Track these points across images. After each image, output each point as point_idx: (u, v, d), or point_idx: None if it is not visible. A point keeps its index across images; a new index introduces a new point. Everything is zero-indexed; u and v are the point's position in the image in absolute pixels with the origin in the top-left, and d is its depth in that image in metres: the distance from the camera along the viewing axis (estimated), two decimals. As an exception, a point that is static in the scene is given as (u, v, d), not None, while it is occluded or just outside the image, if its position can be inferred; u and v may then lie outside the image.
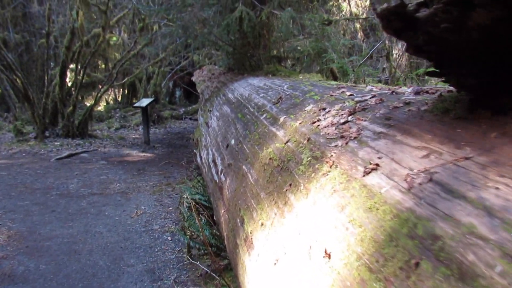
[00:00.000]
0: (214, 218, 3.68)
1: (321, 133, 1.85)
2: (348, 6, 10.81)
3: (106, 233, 4.44)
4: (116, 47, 13.49)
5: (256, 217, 2.00)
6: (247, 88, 4.53)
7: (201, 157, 4.83)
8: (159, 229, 4.50)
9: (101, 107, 17.80)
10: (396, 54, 10.63)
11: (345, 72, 4.61)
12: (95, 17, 14.81)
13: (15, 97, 11.45)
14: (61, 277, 3.48)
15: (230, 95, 4.82)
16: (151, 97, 13.20)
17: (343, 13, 10.66)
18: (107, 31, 9.10)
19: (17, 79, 9.57)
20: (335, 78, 4.35)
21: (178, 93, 18.18)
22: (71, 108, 10.09)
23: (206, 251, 3.42)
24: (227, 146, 3.33)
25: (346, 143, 1.59)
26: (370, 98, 1.97)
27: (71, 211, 5.21)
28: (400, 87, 2.22)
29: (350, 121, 1.78)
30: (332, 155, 1.58)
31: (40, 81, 12.93)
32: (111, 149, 9.66)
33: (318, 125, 1.95)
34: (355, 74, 4.78)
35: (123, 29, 13.61)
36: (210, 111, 5.34)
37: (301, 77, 4.91)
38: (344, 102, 2.06)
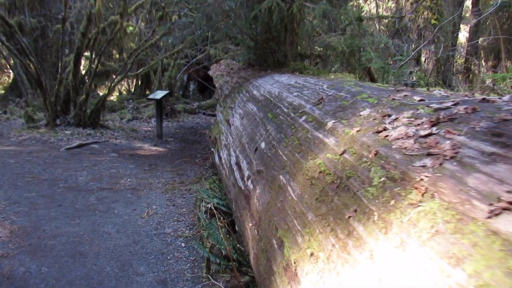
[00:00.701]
0: (236, 227, 3.33)
1: (393, 147, 1.48)
2: (374, 6, 10.38)
3: (114, 234, 4.11)
4: (133, 36, 13.21)
5: (302, 244, 1.63)
6: (274, 85, 4.16)
7: (220, 157, 4.48)
8: (171, 233, 4.16)
9: (113, 97, 17.59)
10: (424, 58, 10.17)
11: (387, 73, 4.21)
12: (111, 6, 14.53)
13: (27, 82, 11.21)
14: (64, 283, 3.16)
15: (255, 92, 4.45)
16: (166, 90, 12.90)
17: (363, 14, 10.23)
18: (125, 18, 8.77)
19: (31, 64, 9.30)
20: (372, 80, 3.96)
21: (192, 86, 17.86)
22: (83, 96, 9.81)
23: (226, 266, 3.06)
24: (256, 149, 2.96)
25: (440, 164, 1.21)
26: (453, 105, 1.58)
27: (78, 206, 4.90)
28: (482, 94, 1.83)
29: (435, 133, 1.40)
30: (422, 179, 1.21)
31: (54, 67, 12.72)
32: (123, 141, 9.36)
33: (387, 136, 1.57)
34: (395, 77, 4.38)
35: (140, 17, 13.30)
36: (232, 108, 4.97)
37: (332, 76, 4.53)
38: (416, 109, 1.68)
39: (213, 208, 3.83)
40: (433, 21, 9.93)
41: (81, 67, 14.57)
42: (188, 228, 4.28)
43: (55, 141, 8.88)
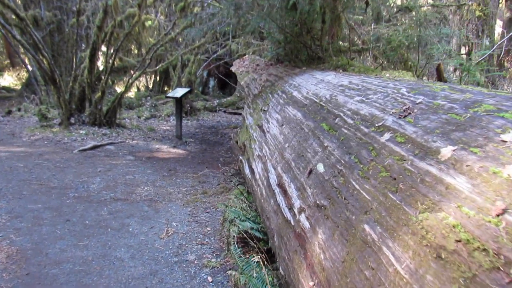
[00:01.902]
0: (279, 269, 2.63)
1: None
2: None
3: (128, 261, 3.47)
4: (151, 30, 12.62)
5: None
6: (320, 85, 3.44)
7: (252, 170, 3.79)
8: (195, 261, 3.49)
9: (132, 93, 17.12)
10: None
11: (467, 71, 3.44)
12: (130, -1, 13.99)
13: (41, 79, 10.73)
14: (64, 334, 2.52)
15: (295, 93, 3.74)
16: (185, 87, 12.29)
17: (391, 5, 9.38)
18: (143, 11, 8.16)
19: (44, 60, 8.78)
20: (440, 79, 3.20)
21: (212, 83, 17.24)
22: (99, 94, 9.26)
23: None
24: (310, 172, 2.25)
25: None
26: None
27: (88, 222, 4.29)
28: None
29: None
30: None
31: (70, 63, 12.24)
32: (140, 142, 8.78)
33: None
34: (470, 75, 3.61)
35: (160, 10, 12.70)
36: (265, 111, 4.28)
37: (387, 75, 3.79)
38: None
39: (245, 235, 3.15)
40: (477, 13, 9.01)
41: (99, 63, 14.12)
42: (214, 254, 3.61)
43: (69, 142, 8.35)
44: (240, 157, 4.69)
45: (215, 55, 13.90)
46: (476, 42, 7.88)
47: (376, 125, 1.95)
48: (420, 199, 1.31)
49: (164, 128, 10.92)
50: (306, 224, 2.03)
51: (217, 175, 6.41)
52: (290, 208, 2.34)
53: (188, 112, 12.33)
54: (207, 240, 3.91)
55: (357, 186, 1.72)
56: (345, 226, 1.65)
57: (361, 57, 7.35)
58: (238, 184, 5.36)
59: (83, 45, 13.05)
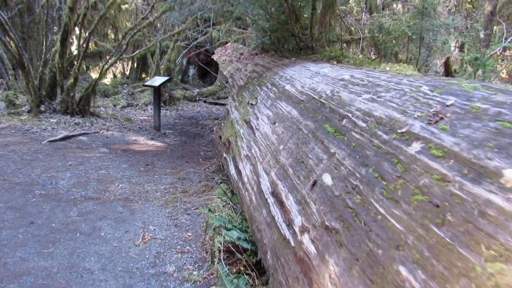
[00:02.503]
0: (270, 285, 2.30)
1: None
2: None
3: (98, 274, 3.07)
4: (128, 14, 11.97)
5: None
6: (316, 79, 3.10)
7: (239, 172, 3.43)
8: (175, 274, 3.12)
9: (108, 79, 16.42)
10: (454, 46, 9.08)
11: (482, 67, 3.14)
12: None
13: (8, 62, 10.01)
14: None
15: (287, 87, 3.38)
16: (164, 75, 11.76)
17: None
18: (119, -8, 7.60)
19: (11, 42, 8.11)
20: (448, 74, 2.91)
21: (191, 71, 16.69)
22: (72, 80, 8.67)
23: None
24: (314, 183, 1.92)
25: None
26: None
27: (55, 225, 3.85)
28: None
29: None
30: None
31: (41, 46, 11.51)
32: (115, 133, 8.27)
33: None
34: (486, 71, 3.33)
35: (137, -7, 12.06)
36: (253, 105, 3.91)
37: (388, 68, 3.48)
38: None
39: (231, 246, 2.81)
40: (467, 5, 8.82)
41: (74, 47, 13.38)
42: (196, 266, 3.24)
43: (38, 131, 7.77)
44: (225, 155, 4.32)
45: (195, 42, 13.37)
46: (469, 34, 7.67)
47: (399, 131, 1.61)
48: (483, 241, 0.99)
49: (141, 118, 10.40)
50: (311, 248, 1.70)
51: (198, 171, 6.03)
52: (289, 224, 2.00)
53: (167, 102, 11.82)
54: (188, 247, 3.54)
55: (381, 210, 1.38)
56: (367, 261, 1.32)
57: (350, 48, 7.04)
58: (221, 182, 5.00)
59: (55, 27, 12.30)
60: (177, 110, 12.04)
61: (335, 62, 4.09)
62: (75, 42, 12.39)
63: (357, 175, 1.63)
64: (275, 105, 3.27)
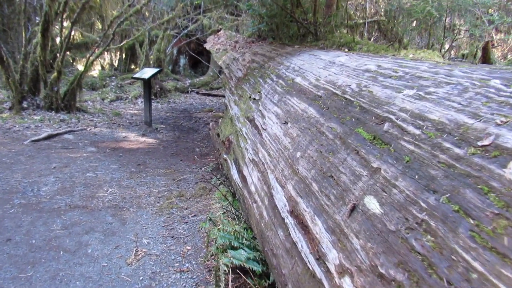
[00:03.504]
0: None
1: None
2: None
3: (85, 303, 2.64)
4: (114, 1, 11.35)
5: None
6: (333, 70, 2.65)
7: (243, 178, 2.99)
8: (174, 300, 2.70)
9: (96, 71, 15.80)
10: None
11: None
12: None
13: (-14, 56, 9.37)
14: None
15: (298, 80, 2.93)
16: (154, 66, 11.21)
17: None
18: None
19: (-13, 34, 7.51)
20: (485, 61, 2.48)
21: (182, 61, 16.10)
22: (55, 74, 8.11)
23: None
24: (353, 208, 1.48)
25: None
26: None
27: (35, 241, 3.40)
28: None
29: None
30: None
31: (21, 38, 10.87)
32: (104, 130, 7.77)
33: None
34: None
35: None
36: (256, 100, 3.46)
37: (411, 55, 3.05)
38: None
39: (240, 272, 2.38)
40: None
41: (58, 39, 12.72)
42: (198, 288, 2.82)
43: (20, 130, 7.25)
44: (224, 156, 3.87)
45: (186, 30, 12.79)
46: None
47: (479, 144, 1.18)
48: None
49: (131, 112, 9.88)
50: (358, 300, 1.27)
51: (194, 170, 5.58)
52: (319, 258, 1.58)
53: (158, 94, 11.29)
54: (187, 265, 3.11)
55: (476, 265, 0.96)
56: None
57: (354, 33, 6.59)
58: (219, 184, 4.58)
59: (37, 18, 11.63)
60: (169, 102, 11.52)
61: (346, 49, 3.65)
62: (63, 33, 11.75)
63: (422, 204, 1.20)
64: (285, 101, 2.82)
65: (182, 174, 5.39)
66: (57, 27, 11.38)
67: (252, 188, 2.70)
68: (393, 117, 1.62)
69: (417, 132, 1.43)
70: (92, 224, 3.78)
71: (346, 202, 1.55)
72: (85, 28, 15.03)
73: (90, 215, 3.96)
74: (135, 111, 9.97)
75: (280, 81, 3.23)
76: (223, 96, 12.68)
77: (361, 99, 1.96)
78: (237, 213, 3.68)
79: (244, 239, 2.78)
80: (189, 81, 13.74)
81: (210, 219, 3.42)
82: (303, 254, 1.72)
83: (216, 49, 7.68)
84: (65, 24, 10.19)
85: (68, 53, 15.26)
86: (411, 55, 2.97)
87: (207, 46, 8.68)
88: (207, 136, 7.75)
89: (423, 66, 2.00)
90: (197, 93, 13.01)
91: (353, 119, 1.87)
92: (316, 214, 1.72)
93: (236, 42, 7.08)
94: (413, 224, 1.19)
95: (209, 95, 12.91)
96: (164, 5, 6.14)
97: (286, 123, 2.56)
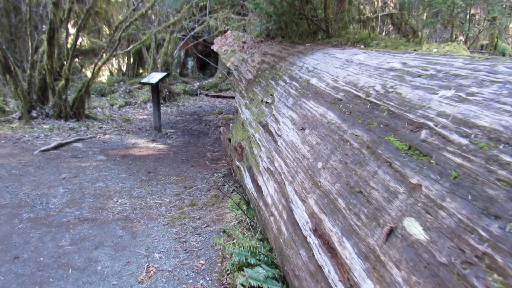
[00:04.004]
0: None
1: None
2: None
3: (94, 327, 2.48)
4: (118, 5, 11.25)
5: None
6: (352, 69, 2.45)
7: (258, 188, 2.81)
8: (189, 322, 2.53)
9: (105, 77, 15.77)
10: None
11: None
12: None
13: (-6, 66, 9.35)
14: None
15: (313, 81, 2.73)
16: (162, 69, 11.09)
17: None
18: (106, -18, 6.91)
19: (-6, 44, 7.46)
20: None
21: (190, 63, 15.98)
22: (62, 82, 8.02)
23: None
24: (390, 232, 1.28)
25: None
26: None
27: (43, 259, 3.26)
28: None
29: None
30: None
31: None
32: (113, 137, 7.65)
33: None
34: None
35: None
36: (268, 104, 3.26)
37: (435, 49, 2.83)
38: None
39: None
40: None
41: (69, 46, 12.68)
42: (214, 308, 2.64)
43: (30, 140, 7.17)
44: (237, 163, 3.69)
45: (192, 32, 12.65)
46: None
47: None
48: None
49: (140, 117, 9.77)
50: None
51: (206, 177, 5.41)
52: (353, 287, 1.38)
53: (167, 98, 11.17)
54: (202, 281, 2.93)
55: None
56: None
57: (365, 28, 6.35)
58: (232, 191, 4.40)
59: (43, 26, 11.60)
60: (178, 106, 11.39)
61: (362, 46, 3.43)
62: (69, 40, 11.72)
63: (482, 233, 0.99)
64: (300, 104, 2.62)
65: (194, 181, 5.22)
66: (64, 34, 11.34)
67: (269, 200, 2.51)
68: (431, 123, 1.41)
69: (464, 141, 1.23)
70: (101, 238, 3.63)
71: (380, 224, 1.35)
72: (92, 34, 15.01)
73: (99, 229, 3.81)
74: (145, 116, 9.86)
75: (294, 83, 3.03)
76: (233, 98, 12.53)
77: (389, 102, 1.75)
78: (252, 223, 3.50)
79: (262, 254, 2.59)
80: (198, 83, 13.61)
81: (224, 231, 3.24)
82: (330, 280, 1.53)
83: (224, 50, 7.51)
84: (72, 31, 10.13)
85: (76, 59, 15.27)
86: (435, 50, 2.75)
87: (215, 47, 8.51)
88: (217, 139, 7.58)
89: (457, 62, 1.79)
90: (206, 95, 12.87)
91: (382, 126, 1.67)
92: (344, 235, 1.52)
93: (244, 42, 6.90)
94: (471, 258, 0.98)
95: (218, 97, 12.75)
96: (168, 7, 6.01)
97: (303, 129, 2.36)
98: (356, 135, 1.79)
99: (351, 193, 1.60)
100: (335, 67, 2.68)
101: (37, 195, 4.61)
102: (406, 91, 1.73)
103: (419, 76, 1.82)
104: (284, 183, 2.29)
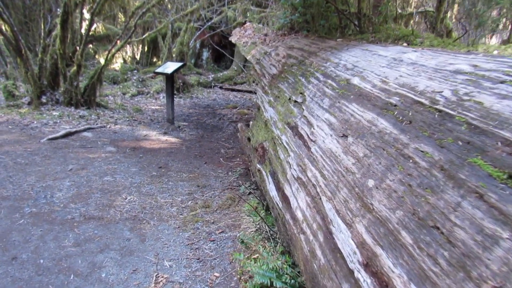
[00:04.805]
0: None
1: None
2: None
3: None
4: (136, -8, 10.95)
5: None
6: (404, 69, 2.11)
7: (285, 198, 2.49)
8: None
9: (118, 64, 15.54)
10: None
11: None
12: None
13: (6, 49, 9.15)
14: None
15: (355, 81, 2.39)
16: (176, 59, 10.79)
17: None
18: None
19: (6, 26, 7.21)
20: None
21: (205, 54, 15.65)
22: (74, 68, 7.76)
23: None
24: (492, 293, 0.95)
25: None
26: None
27: (43, 261, 2.99)
28: None
29: None
30: None
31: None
32: (124, 127, 7.38)
33: None
34: None
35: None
36: (298, 103, 2.93)
37: (495, 51, 2.47)
38: None
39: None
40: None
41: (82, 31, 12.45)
42: (230, 333, 2.34)
43: (38, 126, 6.93)
44: (258, 166, 3.37)
45: (209, 23, 12.30)
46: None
47: None
48: None
49: (152, 107, 9.49)
50: None
51: (220, 175, 5.10)
52: None
53: (180, 89, 10.87)
54: (216, 297, 2.64)
55: None
56: None
57: (398, 25, 5.95)
58: (249, 193, 4.10)
59: (58, 9, 11.34)
60: (192, 98, 11.09)
61: (405, 44, 3.08)
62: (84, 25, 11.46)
63: None
64: (339, 107, 2.29)
65: (207, 179, 4.92)
66: (79, 19, 11.08)
67: (298, 214, 2.19)
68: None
69: None
70: (107, 240, 3.35)
71: (472, 277, 1.02)
72: (107, 20, 14.75)
73: (106, 229, 3.53)
74: (157, 107, 9.58)
75: (329, 81, 2.70)
76: (249, 92, 12.20)
77: (467, 113, 1.42)
78: (271, 231, 3.19)
79: (287, 275, 2.27)
80: (212, 75, 13.29)
81: (242, 241, 2.93)
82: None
83: (244, 42, 7.17)
84: (87, 16, 9.85)
85: (90, 46, 15.03)
86: (495, 51, 2.40)
87: (233, 39, 8.18)
88: (232, 135, 7.27)
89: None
90: (221, 88, 12.55)
91: (460, 142, 1.33)
92: (413, 281, 1.19)
93: (266, 35, 6.55)
94: None
95: (233, 90, 12.43)
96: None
97: (344, 136, 2.03)
98: (422, 152, 1.45)
99: (420, 226, 1.27)
100: (381, 66, 2.34)
101: (41, 188, 4.35)
102: (490, 101, 1.39)
103: (502, 82, 1.48)
104: (321, 199, 1.96)
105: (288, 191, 2.46)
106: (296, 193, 2.30)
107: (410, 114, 1.68)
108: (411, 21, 5.12)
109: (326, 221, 1.84)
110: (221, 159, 5.82)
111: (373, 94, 2.07)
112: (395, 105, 1.82)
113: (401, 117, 1.72)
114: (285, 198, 2.49)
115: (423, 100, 1.68)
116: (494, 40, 7.51)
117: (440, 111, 1.54)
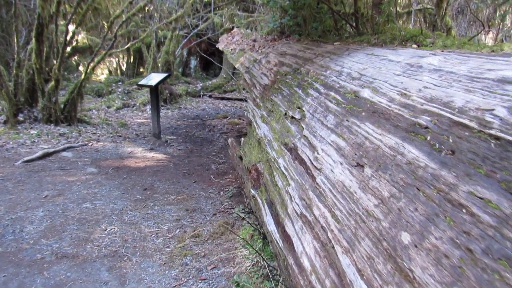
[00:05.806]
0: None
1: None
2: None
3: None
4: (117, 1, 10.51)
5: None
6: (427, 79, 1.71)
7: (285, 237, 2.06)
8: None
9: (104, 75, 15.06)
10: None
11: None
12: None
13: (-21, 65, 8.61)
14: None
15: (366, 94, 1.98)
16: (162, 69, 10.35)
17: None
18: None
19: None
20: None
21: (193, 63, 15.22)
22: (52, 83, 7.28)
23: None
24: None
25: None
26: None
27: (3, 317, 2.52)
28: None
29: None
30: None
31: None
32: (107, 144, 6.91)
33: None
34: None
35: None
36: (296, 120, 2.51)
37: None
38: None
39: None
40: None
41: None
42: None
43: (14, 147, 6.44)
44: (252, 191, 2.94)
45: (196, 30, 11.89)
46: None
47: None
48: None
49: (139, 121, 9.03)
50: None
51: (211, 195, 4.66)
52: None
53: (168, 100, 10.42)
54: None
55: None
56: None
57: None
58: (242, 219, 3.67)
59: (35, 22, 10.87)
60: (180, 108, 10.64)
61: (414, 45, 2.68)
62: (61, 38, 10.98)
63: None
64: (349, 126, 1.87)
65: (197, 201, 4.48)
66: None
67: (305, 262, 1.76)
68: None
69: None
70: (81, 284, 2.89)
71: None
72: (92, 31, 14.26)
73: (80, 270, 3.07)
74: (143, 120, 9.12)
75: (333, 93, 2.28)
76: (239, 100, 11.79)
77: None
78: (270, 267, 2.77)
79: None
80: (201, 84, 12.85)
81: (238, 284, 2.49)
82: None
83: (231, 49, 6.77)
84: (70, 27, 9.39)
85: (74, 58, 14.54)
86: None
87: (220, 46, 7.77)
88: (223, 148, 6.84)
89: None
90: (210, 96, 12.11)
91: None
92: None
93: (255, 40, 6.15)
94: None
95: (222, 98, 12.00)
96: (171, 2, 5.31)
97: (360, 166, 1.61)
98: (481, 199, 1.04)
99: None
100: (396, 74, 1.93)
101: (10, 220, 3.87)
102: None
103: None
104: (334, 248, 1.54)
105: (290, 229, 2.03)
106: (301, 234, 1.88)
107: (451, 141, 1.27)
108: (410, 19, 4.76)
109: (344, 281, 1.41)
110: (211, 176, 5.37)
111: (392, 111, 1.65)
112: (426, 127, 1.41)
113: (437, 145, 1.31)
114: (286, 237, 2.06)
115: (466, 122, 1.27)
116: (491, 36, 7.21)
117: (497, 138, 1.13)
